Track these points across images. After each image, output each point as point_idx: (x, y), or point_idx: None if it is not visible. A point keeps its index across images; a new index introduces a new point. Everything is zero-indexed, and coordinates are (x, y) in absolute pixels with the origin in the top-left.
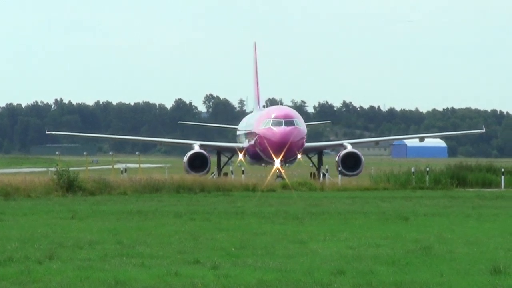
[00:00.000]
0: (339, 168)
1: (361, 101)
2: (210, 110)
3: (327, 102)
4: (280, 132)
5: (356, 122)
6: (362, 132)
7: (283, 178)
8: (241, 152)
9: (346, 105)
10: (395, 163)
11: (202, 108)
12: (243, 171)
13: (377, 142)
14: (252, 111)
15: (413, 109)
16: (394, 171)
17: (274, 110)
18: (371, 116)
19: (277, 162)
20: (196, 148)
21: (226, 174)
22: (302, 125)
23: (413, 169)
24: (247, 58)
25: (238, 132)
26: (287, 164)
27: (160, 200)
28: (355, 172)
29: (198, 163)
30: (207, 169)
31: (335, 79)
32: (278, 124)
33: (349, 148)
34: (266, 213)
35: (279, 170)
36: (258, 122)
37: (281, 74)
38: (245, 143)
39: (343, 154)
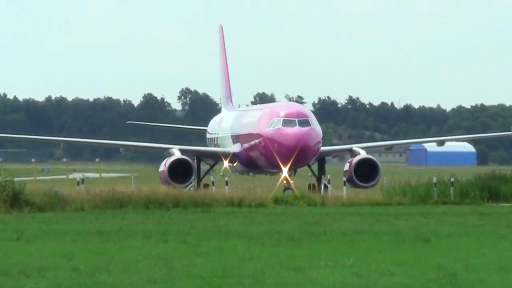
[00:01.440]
0: (351, 178)
1: (371, 97)
2: (186, 107)
3: (329, 98)
4: (294, 134)
5: (364, 121)
6: (371, 134)
7: (292, 190)
8: (226, 159)
9: (352, 101)
10: (412, 172)
11: (176, 105)
12: (226, 181)
13: (390, 147)
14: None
15: (434, 106)
16: (411, 182)
17: (282, 107)
18: (382, 114)
19: (285, 171)
20: (177, 154)
21: (206, 185)
22: (317, 126)
23: (434, 180)
24: (230, 47)
25: (211, 136)
26: (281, 174)
27: (125, 218)
28: (371, 183)
29: (179, 172)
30: (191, 179)
31: (339, 70)
32: (290, 124)
33: (363, 153)
34: (255, 234)
35: (287, 180)
36: (260, 122)
37: (272, 65)
38: (234, 148)
39: (357, 160)
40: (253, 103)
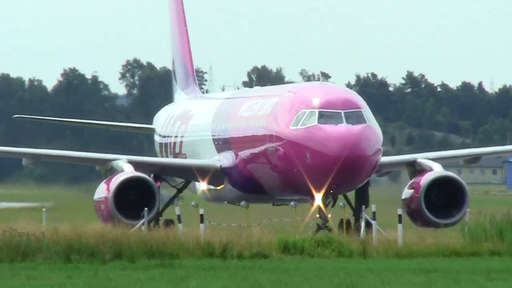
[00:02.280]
0: (419, 210)
1: (444, 75)
2: (134, 91)
3: (373, 76)
4: (341, 135)
5: (434, 115)
6: (445, 136)
7: (329, 229)
8: (204, 179)
9: (412, 80)
10: None
11: (117, 87)
12: (202, 216)
13: (475, 158)
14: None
15: None
16: None
17: (316, 91)
18: (464, 103)
19: (318, 198)
20: (128, 169)
21: (169, 222)
22: (375, 123)
23: None
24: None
25: (165, 139)
26: (292, 203)
27: (32, 277)
28: (454, 219)
29: (131, 199)
30: (153, 213)
31: (389, 32)
32: (332, 119)
33: (437, 169)
34: None
35: (322, 212)
36: (276, 117)
37: (275, 24)
38: (221, 160)
39: (429, 181)
40: (246, 84)
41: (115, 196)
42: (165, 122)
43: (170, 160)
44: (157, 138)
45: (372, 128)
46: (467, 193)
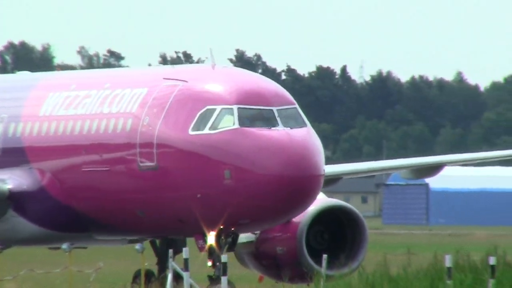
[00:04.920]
0: (294, 258)
1: (286, 54)
2: None
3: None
4: (281, 144)
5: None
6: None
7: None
8: None
9: (246, 63)
10: (391, 241)
11: None
12: None
13: (333, 179)
14: None
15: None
16: (390, 265)
17: (224, 79)
18: (320, 97)
19: (210, 236)
20: None
21: None
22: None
23: (447, 261)
24: None
25: None
26: (65, 246)
27: None
28: (346, 269)
29: None
30: None
31: None
32: (261, 120)
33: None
34: None
35: (215, 257)
36: (156, 116)
37: None
38: (8, 179)
39: (315, 212)
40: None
41: None
42: None
43: None
44: None
45: (314, 135)
46: (366, 230)
